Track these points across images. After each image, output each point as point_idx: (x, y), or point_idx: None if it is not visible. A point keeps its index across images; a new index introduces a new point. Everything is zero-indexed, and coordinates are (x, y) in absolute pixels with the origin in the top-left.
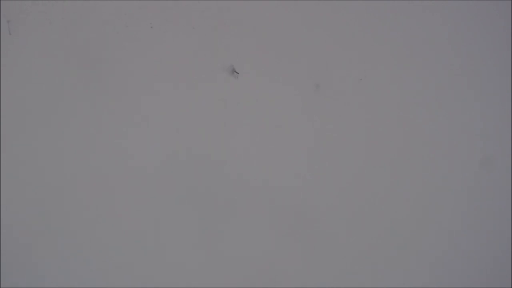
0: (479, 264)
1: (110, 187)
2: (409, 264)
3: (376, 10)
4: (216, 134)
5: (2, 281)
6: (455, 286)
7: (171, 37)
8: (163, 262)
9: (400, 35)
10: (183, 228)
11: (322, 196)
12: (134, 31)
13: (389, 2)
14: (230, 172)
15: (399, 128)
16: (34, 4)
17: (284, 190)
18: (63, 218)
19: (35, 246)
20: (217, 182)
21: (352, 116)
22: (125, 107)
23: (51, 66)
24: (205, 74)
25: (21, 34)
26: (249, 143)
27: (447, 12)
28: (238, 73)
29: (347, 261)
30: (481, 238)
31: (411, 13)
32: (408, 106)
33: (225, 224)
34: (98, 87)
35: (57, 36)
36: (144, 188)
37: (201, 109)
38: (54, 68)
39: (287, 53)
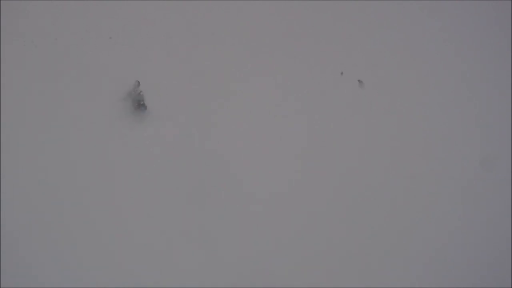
0: (479, 264)
1: (110, 187)
2: (409, 264)
3: (373, 10)
4: (216, 132)
5: (2, 281)
6: (455, 286)
7: (175, 38)
8: (163, 261)
9: (399, 36)
10: (183, 226)
11: (322, 197)
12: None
13: (388, 2)
14: (231, 170)
15: (399, 129)
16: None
17: (283, 189)
18: (63, 218)
19: (35, 246)
20: (218, 181)
21: (351, 116)
22: (124, 106)
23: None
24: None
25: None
26: (248, 140)
27: (447, 12)
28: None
29: (348, 260)
30: (481, 237)
31: (412, 14)
32: (409, 106)
33: (225, 222)
34: (97, 87)
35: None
36: (144, 188)
37: (202, 108)
38: (52, 72)
39: (283, 54)
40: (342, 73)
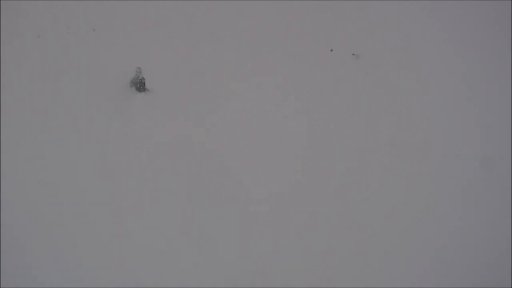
0: (479, 264)
1: (110, 188)
2: (409, 264)
3: (374, 11)
4: (216, 130)
5: (2, 281)
6: (455, 286)
7: (175, 38)
8: (163, 260)
9: (399, 36)
10: (183, 226)
11: (322, 197)
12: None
13: (388, 3)
14: (231, 170)
15: (399, 129)
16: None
17: (282, 187)
18: (63, 218)
19: (34, 247)
20: (219, 179)
21: (351, 116)
22: (124, 105)
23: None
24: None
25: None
26: (247, 138)
27: (447, 12)
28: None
29: (348, 260)
30: (481, 237)
31: (412, 14)
32: (409, 107)
33: (225, 221)
34: (97, 87)
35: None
36: (144, 188)
37: (202, 106)
38: (51, 72)
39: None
40: (332, 50)
